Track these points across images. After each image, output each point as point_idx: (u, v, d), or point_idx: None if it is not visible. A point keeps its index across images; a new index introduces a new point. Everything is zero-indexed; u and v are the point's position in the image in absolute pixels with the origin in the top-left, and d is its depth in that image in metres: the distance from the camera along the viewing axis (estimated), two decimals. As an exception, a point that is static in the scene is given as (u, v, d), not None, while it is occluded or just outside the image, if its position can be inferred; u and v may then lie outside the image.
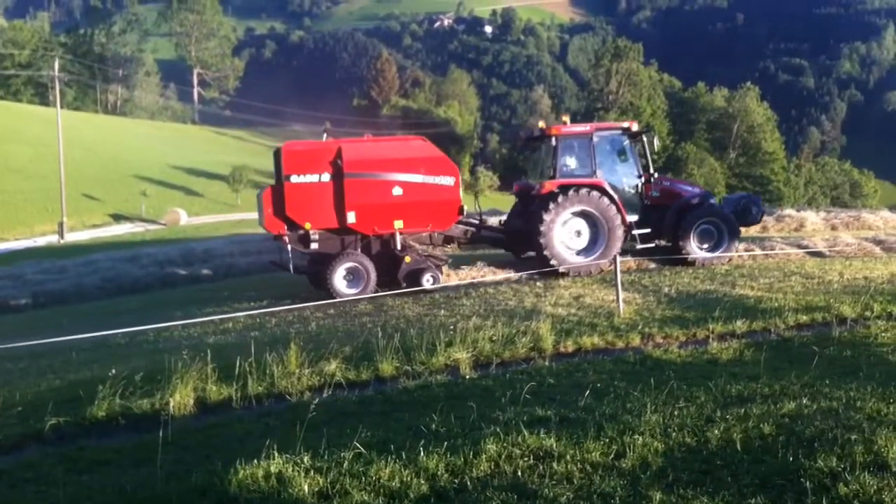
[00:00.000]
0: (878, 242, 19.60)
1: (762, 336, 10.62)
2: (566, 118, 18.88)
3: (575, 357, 9.96)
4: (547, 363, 9.58)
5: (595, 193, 16.80)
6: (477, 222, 18.25)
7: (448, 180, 16.07)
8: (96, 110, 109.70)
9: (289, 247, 15.68)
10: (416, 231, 16.25)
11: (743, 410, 7.09)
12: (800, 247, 18.64)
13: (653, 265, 17.10)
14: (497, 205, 59.71)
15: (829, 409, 7.06)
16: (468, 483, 5.84)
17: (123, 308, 18.62)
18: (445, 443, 6.56)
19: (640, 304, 12.72)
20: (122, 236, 45.63)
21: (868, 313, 11.39)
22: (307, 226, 15.58)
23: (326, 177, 15.46)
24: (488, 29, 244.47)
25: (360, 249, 15.96)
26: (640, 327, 11.04)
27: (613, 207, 16.83)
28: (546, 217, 16.49)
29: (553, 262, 16.38)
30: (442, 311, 12.83)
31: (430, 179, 15.88)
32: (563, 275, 16.18)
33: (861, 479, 5.46)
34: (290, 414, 8.02)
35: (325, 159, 15.53)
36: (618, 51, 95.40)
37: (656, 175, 18.21)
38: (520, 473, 5.97)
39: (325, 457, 6.37)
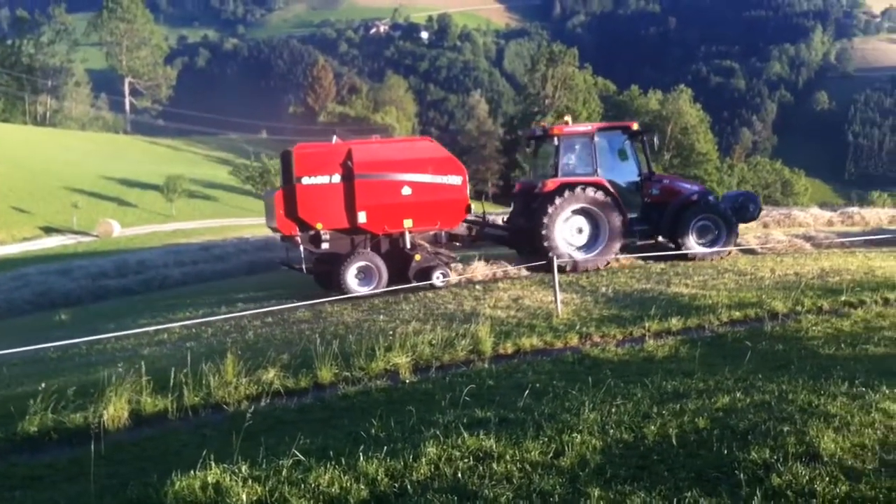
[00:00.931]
0: (808, 239, 20.07)
1: (697, 333, 10.78)
2: (568, 118, 19.37)
3: (514, 358, 10.00)
4: (486, 365, 9.60)
5: (596, 191, 17.12)
6: (481, 221, 18.49)
7: (455, 180, 16.36)
8: (25, 122, 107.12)
9: (301, 247, 15.74)
10: (425, 230, 16.52)
11: (678, 406, 7.19)
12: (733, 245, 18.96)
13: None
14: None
15: (761, 402, 7.19)
16: (408, 486, 5.82)
17: (55, 322, 18.21)
18: (385, 447, 6.52)
19: (577, 305, 12.83)
20: (53, 249, 44.55)
21: (799, 308, 11.63)
22: (318, 226, 15.74)
23: (337, 178, 15.67)
24: (424, 35, 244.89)
25: (369, 249, 16.15)
26: (578, 327, 11.13)
27: (614, 205, 17.17)
28: (548, 214, 16.82)
29: (554, 258, 16.51)
30: (381, 317, 12.79)
31: (438, 179, 16.16)
32: (511, 277, 16.28)
33: (793, 469, 5.57)
34: (228, 424, 7.92)
35: (335, 161, 15.73)
36: (553, 55, 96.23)
37: (656, 173, 18.69)
38: (460, 475, 5.97)
39: (264, 465, 6.30)
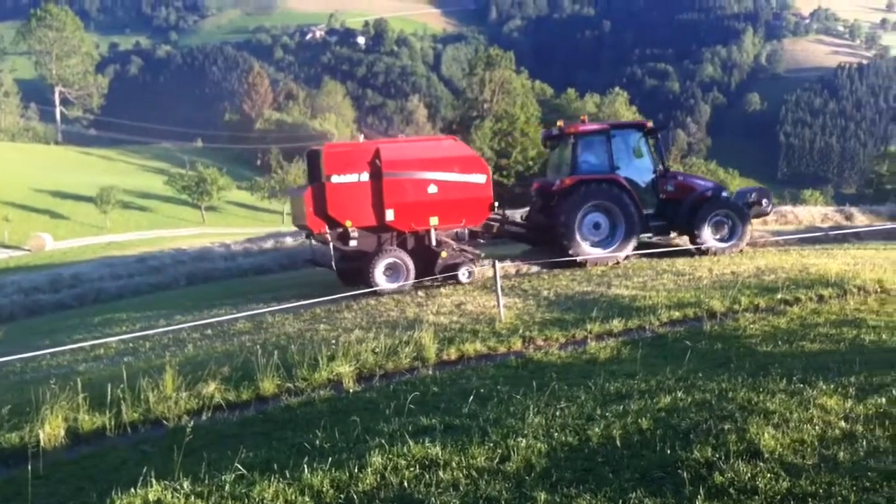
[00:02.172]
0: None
1: (638, 333, 10.87)
2: (584, 117, 19.75)
3: (458, 364, 9.98)
4: (430, 372, 9.57)
5: (612, 188, 17.57)
6: (501, 218, 18.75)
7: (480, 178, 16.59)
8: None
9: (331, 245, 15.98)
10: (450, 227, 16.77)
11: (622, 407, 7.26)
12: (671, 246, 19.24)
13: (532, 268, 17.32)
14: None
15: (702, 401, 7.29)
16: (354, 497, 5.79)
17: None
18: (330, 458, 6.48)
19: (520, 309, 12.87)
20: (-17, 264, 43.42)
21: (736, 307, 11.79)
22: (348, 224, 15.95)
23: (366, 176, 15.88)
24: (361, 40, 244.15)
25: (396, 246, 16.33)
26: (521, 331, 11.15)
27: (630, 201, 17.54)
28: (566, 211, 17.30)
29: (573, 252, 17.17)
30: (323, 326, 12.68)
31: (463, 177, 16.40)
32: (454, 283, 16.27)
33: (735, 467, 5.66)
34: (168, 439, 7.77)
35: (363, 160, 15.95)
36: (490, 59, 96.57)
37: (670, 170, 19.08)
38: (406, 484, 5.95)
39: (206, 481, 6.21)
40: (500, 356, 10.24)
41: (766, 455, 5.86)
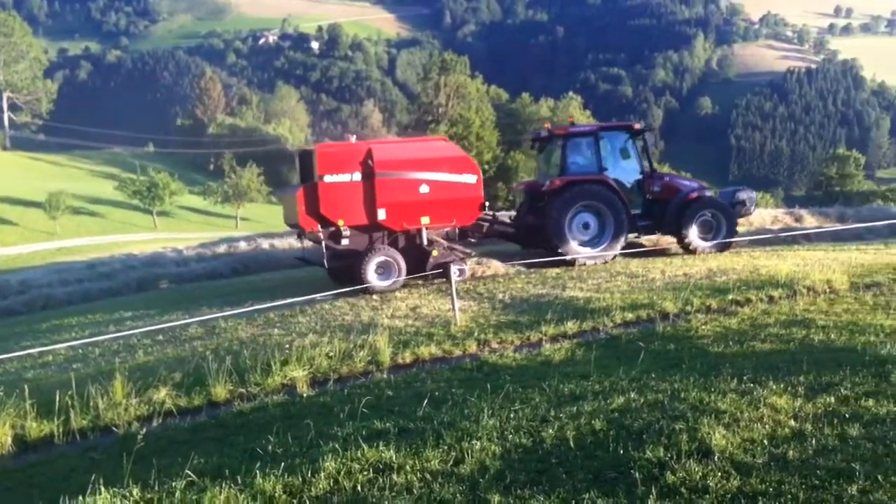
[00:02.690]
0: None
1: (592, 335, 10.91)
2: (572, 119, 19.96)
3: (413, 368, 9.94)
4: (385, 376, 9.52)
5: (601, 188, 17.86)
6: (491, 219, 19.01)
7: (471, 178, 16.69)
8: None
9: (323, 243, 16.07)
10: (441, 226, 16.89)
11: (575, 408, 7.28)
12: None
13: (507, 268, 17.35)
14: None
15: (655, 401, 7.34)
16: (307, 502, 5.75)
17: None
18: (283, 463, 6.43)
19: (475, 312, 12.87)
20: (-71, 271, 42.43)
21: (688, 308, 11.88)
22: (340, 223, 16.03)
23: (358, 176, 15.98)
24: (315, 45, 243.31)
25: (388, 245, 16.49)
26: (476, 334, 11.14)
27: (618, 201, 17.82)
28: (556, 211, 17.56)
29: (563, 252, 17.37)
30: (276, 330, 12.57)
31: (454, 178, 16.51)
32: (419, 284, 16.27)
33: (687, 466, 5.71)
34: (118, 446, 7.64)
35: (356, 160, 16.04)
36: (445, 64, 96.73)
37: (657, 171, 19.35)
38: (359, 488, 5.91)
39: (156, 488, 6.13)
40: (454, 359, 10.22)
41: (717, 454, 5.92)
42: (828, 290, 12.36)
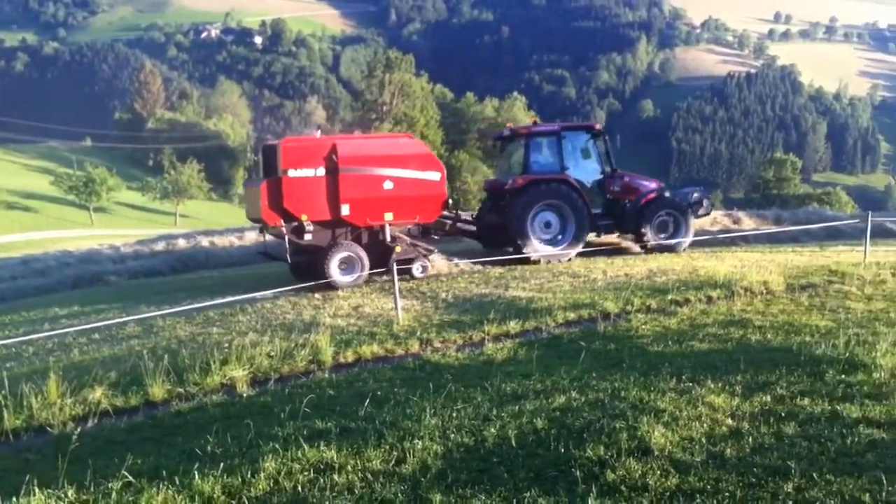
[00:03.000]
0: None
1: (534, 335, 10.95)
2: (536, 119, 20.12)
3: (355, 367, 9.88)
4: (327, 375, 9.45)
5: (563, 188, 18.05)
6: (454, 216, 19.14)
7: (435, 175, 16.87)
8: None
9: (286, 238, 15.96)
10: (404, 223, 16.99)
11: (517, 407, 7.30)
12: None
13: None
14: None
15: (596, 400, 7.39)
16: (246, 503, 5.66)
17: None
18: (222, 464, 6.34)
19: (418, 311, 12.84)
20: None
21: (629, 307, 11.99)
22: (303, 218, 15.95)
23: (322, 171, 15.98)
24: (258, 40, 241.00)
25: (351, 240, 16.53)
26: (418, 333, 11.12)
27: (580, 201, 18.09)
28: (519, 209, 17.73)
29: (526, 251, 17.65)
30: (216, 329, 12.40)
31: (418, 175, 16.65)
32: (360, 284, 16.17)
33: (627, 464, 5.76)
34: (52, 447, 7.47)
35: (320, 155, 16.03)
36: (389, 62, 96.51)
37: (618, 171, 19.53)
38: (300, 488, 5.86)
39: (92, 489, 6.01)
40: (397, 358, 10.18)
41: (657, 452, 5.98)
42: (764, 291, 12.57)
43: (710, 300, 12.25)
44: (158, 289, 18.94)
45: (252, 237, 27.32)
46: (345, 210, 16.09)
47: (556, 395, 7.59)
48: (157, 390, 8.99)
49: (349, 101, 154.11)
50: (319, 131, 17.77)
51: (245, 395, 8.89)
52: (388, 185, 16.37)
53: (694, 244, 19.01)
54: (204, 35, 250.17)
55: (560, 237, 18.22)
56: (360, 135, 18.17)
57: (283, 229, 15.96)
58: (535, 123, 19.54)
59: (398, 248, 16.52)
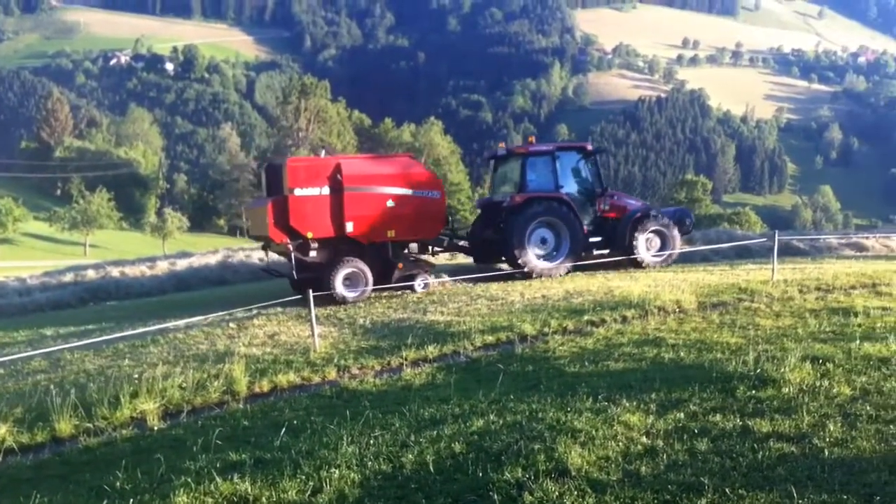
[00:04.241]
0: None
1: (452, 358, 10.92)
2: (532, 139, 20.98)
3: (271, 396, 9.71)
4: (241, 406, 9.26)
5: (559, 205, 18.71)
6: (450, 234, 19.78)
7: (435, 194, 17.58)
8: None
9: (293, 255, 16.41)
10: (406, 240, 17.58)
11: (435, 432, 7.25)
12: (457, 274, 19.78)
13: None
14: (189, 247, 57.90)
15: (514, 422, 7.38)
16: (156, 541, 5.49)
17: None
18: (131, 500, 6.19)
19: (335, 338, 12.70)
20: None
21: (546, 329, 12.03)
22: (309, 235, 16.46)
23: (326, 190, 16.49)
24: (170, 66, 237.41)
25: (355, 257, 16.86)
26: (336, 360, 10.99)
27: (574, 218, 18.75)
28: (518, 226, 18.28)
29: (523, 266, 18.18)
30: (126, 361, 12.05)
31: (419, 193, 17.27)
32: (261, 314, 15.92)
33: (544, 486, 5.75)
34: (-47, 488, 7.15)
35: (324, 174, 16.56)
36: (305, 88, 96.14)
37: (608, 190, 20.27)
38: (212, 523, 5.69)
39: (-6, 531, 5.74)
40: (314, 386, 10.04)
41: (574, 473, 5.99)
42: (677, 310, 12.78)
43: (625, 320, 12.39)
44: (66, 321, 18.35)
45: (164, 267, 26.82)
46: (349, 227, 16.58)
47: (475, 419, 7.56)
48: (65, 426, 8.69)
49: (265, 128, 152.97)
50: (324, 151, 18.34)
51: (156, 428, 8.65)
52: (390, 203, 16.90)
53: (609, 265, 19.28)
54: (113, 62, 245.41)
55: (555, 253, 18.80)
56: (363, 155, 18.69)
57: (290, 246, 16.35)
58: (531, 143, 20.19)
59: (400, 265, 17.13)
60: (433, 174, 18.32)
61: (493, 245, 19.22)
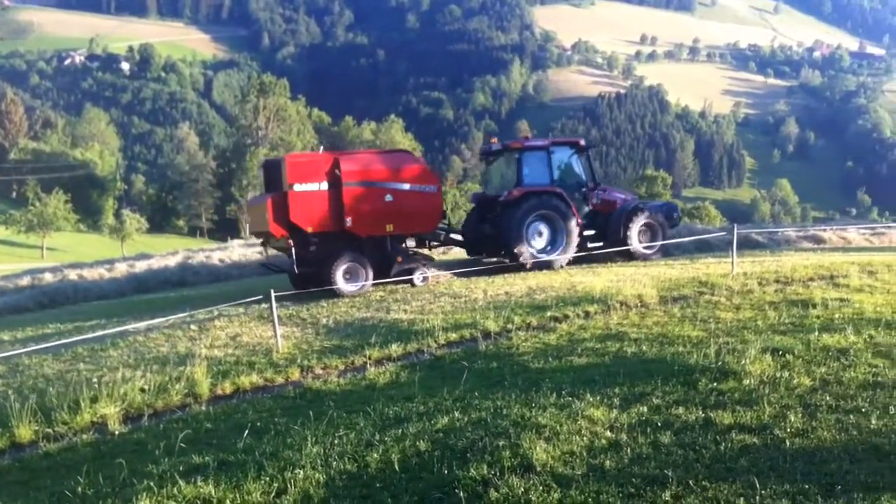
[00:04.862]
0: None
1: (416, 357, 10.91)
2: (528, 133, 21.18)
3: (233, 398, 9.63)
4: (203, 408, 9.18)
5: (555, 199, 19.11)
6: (446, 228, 20.14)
7: (432, 188, 17.82)
8: None
9: (293, 249, 16.64)
10: (404, 233, 17.95)
11: (400, 431, 7.24)
12: (448, 268, 19.76)
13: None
14: (148, 249, 57.27)
15: (478, 419, 7.40)
16: (119, 546, 5.42)
17: None
18: (93, 505, 6.07)
19: (298, 338, 12.63)
20: None
21: (510, 326, 12.05)
22: (309, 230, 16.70)
23: (325, 185, 16.76)
24: (125, 66, 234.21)
25: (354, 251, 17.18)
26: (299, 361, 10.93)
27: (570, 212, 19.17)
28: (516, 219, 18.72)
29: (522, 259, 18.71)
30: (85, 366, 11.86)
31: (416, 188, 17.52)
32: (223, 315, 15.78)
33: (510, 482, 5.76)
34: None
35: (323, 170, 16.84)
36: (263, 87, 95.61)
37: (599, 184, 21.02)
38: (176, 527, 5.64)
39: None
40: (277, 387, 9.98)
41: (539, 468, 6.01)
42: (639, 304, 12.88)
43: (588, 315, 12.46)
44: (24, 325, 18.07)
45: (122, 269, 26.49)
46: (348, 222, 16.83)
47: (439, 417, 7.56)
48: (24, 431, 8.58)
49: (223, 127, 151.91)
50: (322, 147, 18.70)
51: (117, 432, 8.56)
52: (388, 197, 17.16)
53: (571, 260, 19.39)
54: (68, 62, 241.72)
55: (550, 247, 19.25)
56: (361, 150, 19.05)
57: (290, 241, 16.60)
58: (526, 138, 20.82)
59: (399, 258, 17.40)
60: (430, 169, 18.61)
61: (489, 239, 19.69)
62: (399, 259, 17.42)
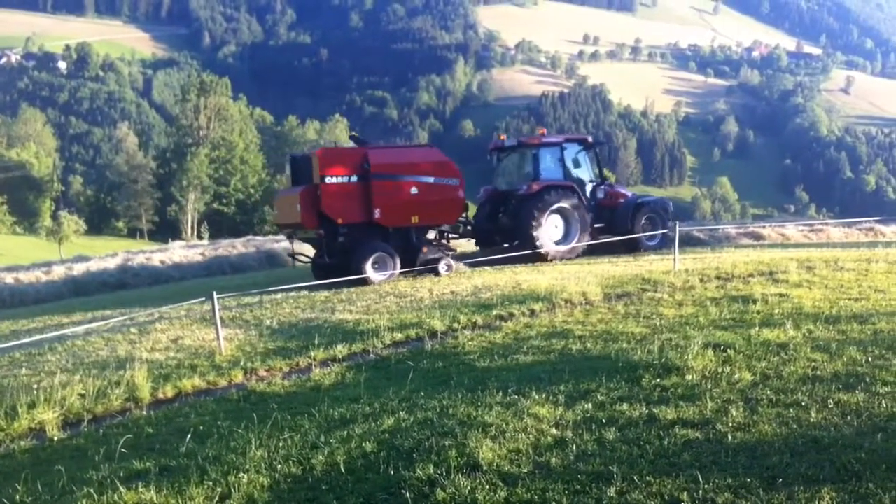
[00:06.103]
0: (465, 258, 21.21)
1: (362, 357, 10.84)
2: (542, 130, 23.15)
3: (175, 402, 9.47)
4: (145, 412, 9.01)
5: (570, 193, 20.40)
6: (465, 220, 20.93)
7: (454, 181, 18.55)
8: None
9: (323, 240, 17.57)
10: (429, 225, 18.76)
11: (346, 432, 7.19)
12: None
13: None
14: (87, 251, 56.19)
15: (425, 419, 7.37)
16: (57, 556, 5.29)
17: None
18: (31, 515, 5.91)
19: (241, 340, 12.47)
20: None
21: (456, 325, 12.05)
22: (339, 221, 17.44)
23: (355, 178, 17.55)
24: (62, 65, 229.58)
25: (382, 241, 17.98)
26: (242, 363, 10.78)
27: (583, 205, 20.57)
28: (536, 212, 19.88)
29: (542, 251, 19.87)
30: (23, 370, 11.58)
31: (440, 181, 18.33)
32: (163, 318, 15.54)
33: (456, 482, 5.74)
34: None
35: (353, 163, 17.63)
36: (204, 86, 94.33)
37: (607, 180, 22.69)
38: (116, 535, 5.52)
39: None
40: (220, 390, 9.84)
41: (485, 467, 6.00)
42: (584, 302, 12.99)
43: (534, 313, 12.52)
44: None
45: (60, 272, 25.98)
46: (376, 213, 17.64)
47: (385, 417, 7.52)
48: (-42, 440, 8.33)
49: (164, 127, 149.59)
50: (353, 141, 19.91)
51: (56, 438, 8.36)
52: (414, 190, 18.02)
53: (515, 259, 19.48)
54: (3, 61, 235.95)
55: (565, 238, 20.55)
56: (388, 145, 19.90)
57: (321, 232, 17.41)
58: (542, 134, 21.90)
59: (424, 249, 18.29)
60: (452, 163, 19.18)
61: (506, 231, 20.80)
62: (424, 249, 18.26)
